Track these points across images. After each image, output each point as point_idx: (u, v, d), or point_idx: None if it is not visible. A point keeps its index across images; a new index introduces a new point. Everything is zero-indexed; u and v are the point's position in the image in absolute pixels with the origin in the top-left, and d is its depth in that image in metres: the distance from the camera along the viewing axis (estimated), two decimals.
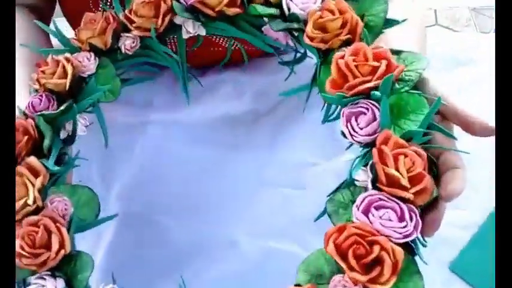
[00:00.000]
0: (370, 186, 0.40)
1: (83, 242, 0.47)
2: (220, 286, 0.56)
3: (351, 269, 0.37)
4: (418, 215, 0.38)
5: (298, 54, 0.55)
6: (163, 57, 0.54)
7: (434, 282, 0.59)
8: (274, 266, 0.59)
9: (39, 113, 0.47)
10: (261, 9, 0.49)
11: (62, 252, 0.41)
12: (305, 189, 0.64)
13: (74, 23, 0.63)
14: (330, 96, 0.43)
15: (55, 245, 0.41)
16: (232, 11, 0.49)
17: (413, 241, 0.39)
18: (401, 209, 0.38)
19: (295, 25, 0.48)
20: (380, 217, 0.38)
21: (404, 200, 0.39)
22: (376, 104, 0.42)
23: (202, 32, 0.52)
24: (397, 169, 0.39)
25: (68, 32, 0.60)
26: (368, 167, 0.41)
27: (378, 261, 0.37)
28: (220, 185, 0.65)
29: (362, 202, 0.39)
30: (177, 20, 0.51)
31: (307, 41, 0.46)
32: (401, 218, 0.38)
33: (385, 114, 0.41)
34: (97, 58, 0.51)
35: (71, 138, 0.50)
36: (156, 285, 0.57)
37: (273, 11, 0.49)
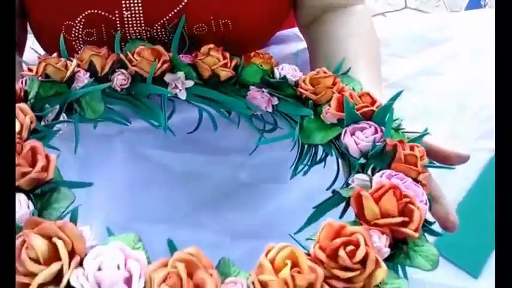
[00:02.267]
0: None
1: None
2: None
3: (385, 213, 0.40)
4: (426, 196, 0.44)
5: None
6: (144, 107, 0.59)
7: None
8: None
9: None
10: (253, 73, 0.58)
11: (44, 174, 0.39)
12: (287, 183, 0.64)
13: (48, 49, 0.65)
14: (349, 108, 0.50)
15: (41, 162, 0.39)
16: (225, 73, 0.57)
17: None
18: (416, 184, 0.43)
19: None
20: (402, 182, 0.43)
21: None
22: (374, 124, 0.49)
23: (183, 96, 0.58)
24: (412, 150, 0.46)
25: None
26: (370, 168, 0.46)
27: (407, 211, 0.40)
28: (200, 188, 0.65)
29: (383, 174, 0.44)
30: (167, 77, 0.57)
31: (301, 91, 0.55)
32: (417, 187, 0.43)
33: (388, 129, 0.48)
34: (90, 79, 0.54)
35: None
36: None
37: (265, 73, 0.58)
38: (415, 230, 0.40)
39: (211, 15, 0.61)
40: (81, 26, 0.61)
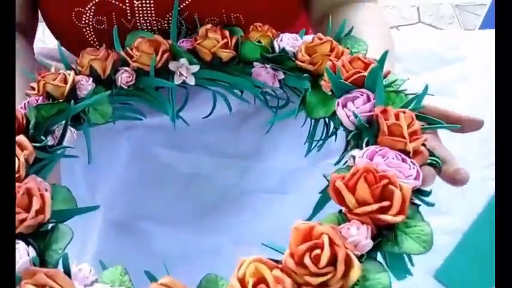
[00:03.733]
0: None
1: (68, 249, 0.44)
2: None
3: (360, 202, 0.37)
4: (418, 168, 0.40)
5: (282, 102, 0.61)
6: (154, 100, 0.58)
7: None
8: None
9: (34, 106, 0.48)
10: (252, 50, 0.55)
11: (41, 217, 0.39)
12: (289, 194, 0.64)
13: (59, 36, 0.64)
14: (334, 78, 0.47)
15: (35, 207, 0.39)
16: (226, 54, 0.55)
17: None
18: (402, 158, 0.40)
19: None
20: (384, 160, 0.39)
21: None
22: (368, 92, 0.45)
23: (192, 81, 0.57)
24: (397, 119, 0.41)
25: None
26: (364, 143, 0.43)
27: (385, 194, 0.37)
28: (205, 191, 0.65)
29: (363, 154, 0.40)
30: (172, 65, 0.56)
31: (298, 63, 0.52)
32: (403, 161, 0.40)
33: (380, 95, 0.44)
34: (94, 84, 0.54)
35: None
36: None
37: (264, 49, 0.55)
38: (398, 213, 0.36)
39: (223, 8, 0.60)
40: (91, 14, 0.60)
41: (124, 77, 0.55)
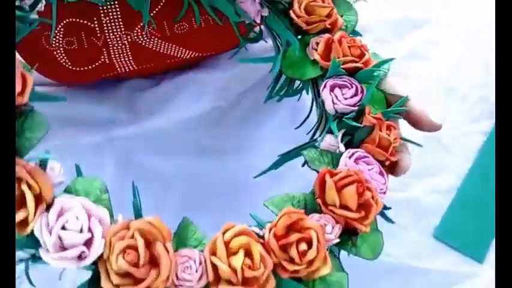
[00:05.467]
0: (342, 148, 0.44)
1: None
2: None
3: (343, 206, 0.40)
4: (387, 184, 0.44)
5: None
6: None
7: (420, 253, 0.59)
8: None
9: None
10: None
11: (19, 99, 0.37)
12: (280, 183, 0.62)
13: (31, 62, 0.62)
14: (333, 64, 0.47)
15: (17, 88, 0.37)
16: None
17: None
18: (382, 171, 0.43)
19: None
20: (369, 170, 0.42)
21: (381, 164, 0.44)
22: (356, 82, 0.47)
23: None
24: (388, 134, 0.44)
25: None
26: (340, 134, 0.45)
27: (365, 206, 0.40)
28: (196, 190, 0.64)
29: (352, 155, 0.43)
30: None
31: (292, 15, 0.51)
32: (381, 175, 0.43)
33: (369, 94, 0.46)
34: None
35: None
36: None
37: None
38: (368, 224, 0.40)
39: (191, 12, 0.59)
40: (61, 35, 0.60)
41: None
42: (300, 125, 0.55)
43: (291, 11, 0.51)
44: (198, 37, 0.64)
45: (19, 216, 0.35)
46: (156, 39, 0.63)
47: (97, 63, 0.64)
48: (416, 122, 0.48)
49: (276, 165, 0.51)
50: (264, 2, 0.54)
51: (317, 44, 0.50)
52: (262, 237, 0.38)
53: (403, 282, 0.57)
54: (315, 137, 0.50)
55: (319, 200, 0.41)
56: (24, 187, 0.35)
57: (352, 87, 0.47)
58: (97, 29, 0.60)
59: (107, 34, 0.61)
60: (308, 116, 0.53)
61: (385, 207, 0.44)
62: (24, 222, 0.35)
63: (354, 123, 0.45)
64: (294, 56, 0.50)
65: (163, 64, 0.68)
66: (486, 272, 0.58)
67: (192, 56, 0.66)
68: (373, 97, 0.47)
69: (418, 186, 0.62)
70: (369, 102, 0.46)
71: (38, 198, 0.36)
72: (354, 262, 0.42)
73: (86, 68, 0.64)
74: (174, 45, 0.64)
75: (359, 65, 0.48)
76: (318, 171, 0.43)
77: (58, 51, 0.61)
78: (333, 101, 0.46)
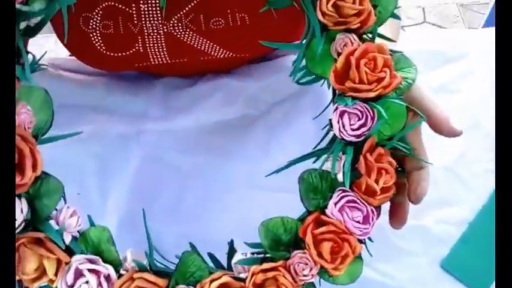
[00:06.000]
0: (340, 178, 0.46)
1: None
2: None
3: (320, 256, 0.45)
4: (376, 218, 0.46)
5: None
6: None
7: (425, 280, 0.59)
8: None
9: None
10: None
11: (34, 175, 0.42)
12: (297, 192, 0.64)
13: (67, 43, 0.65)
14: (340, 96, 0.46)
15: (29, 170, 0.41)
16: None
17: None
18: (367, 212, 0.45)
19: None
20: (353, 218, 0.45)
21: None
22: (369, 109, 0.45)
23: None
24: (376, 181, 0.45)
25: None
26: (342, 161, 0.46)
27: (341, 257, 0.45)
28: (214, 192, 0.65)
29: (339, 201, 0.45)
30: None
31: (318, 13, 0.46)
32: (365, 220, 0.45)
33: (378, 125, 0.45)
34: None
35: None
36: None
37: None
38: (342, 269, 0.45)
39: (229, 8, 0.61)
40: (98, 18, 0.61)
41: None
42: (318, 114, 0.56)
43: (317, 9, 0.46)
44: (233, 35, 0.64)
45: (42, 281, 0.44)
46: (192, 32, 0.63)
47: (131, 51, 0.65)
48: (436, 126, 0.49)
49: (285, 167, 0.53)
50: None
51: (341, 46, 0.46)
52: (244, 280, 0.45)
53: None
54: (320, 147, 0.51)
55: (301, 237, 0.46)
56: (45, 262, 0.44)
57: (362, 116, 0.45)
58: (134, 15, 0.61)
59: (143, 22, 0.61)
60: (326, 107, 0.53)
61: (369, 239, 0.47)
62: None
63: (351, 157, 0.45)
64: (316, 49, 0.47)
65: (196, 61, 0.68)
66: None
67: (226, 55, 0.67)
68: (391, 111, 0.45)
69: (431, 215, 0.63)
70: (383, 122, 0.45)
71: (58, 264, 0.44)
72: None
73: (119, 54, 0.65)
74: (208, 41, 0.65)
75: (373, 94, 0.45)
76: (307, 210, 0.47)
77: (94, 33, 0.62)
78: (339, 129, 0.46)
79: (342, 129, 0.46)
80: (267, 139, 0.69)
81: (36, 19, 0.45)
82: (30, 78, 0.44)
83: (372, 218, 0.46)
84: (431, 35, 0.94)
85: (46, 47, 0.70)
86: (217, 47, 0.66)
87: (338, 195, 0.46)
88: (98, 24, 0.61)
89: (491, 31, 0.85)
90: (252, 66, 0.74)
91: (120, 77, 0.73)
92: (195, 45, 0.65)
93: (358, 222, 0.45)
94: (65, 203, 0.46)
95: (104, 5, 0.60)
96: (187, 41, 0.65)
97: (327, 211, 0.46)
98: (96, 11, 0.60)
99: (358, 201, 0.45)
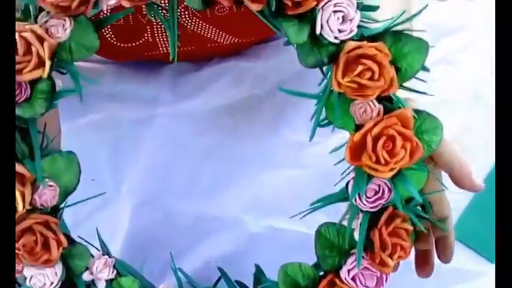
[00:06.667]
0: (357, 237, 0.46)
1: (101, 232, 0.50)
2: (227, 265, 0.57)
3: None
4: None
5: None
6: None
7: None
8: (280, 245, 0.61)
9: None
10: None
11: (61, 249, 0.45)
12: (307, 168, 0.66)
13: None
14: (358, 170, 0.44)
15: (54, 249, 0.44)
16: (256, 6, 0.40)
17: None
18: (381, 275, 0.47)
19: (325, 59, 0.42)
20: (366, 285, 0.47)
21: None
22: (387, 183, 0.44)
23: None
24: (391, 256, 0.46)
25: None
26: (359, 220, 0.46)
27: None
28: (225, 170, 0.67)
29: (353, 268, 0.46)
30: None
31: (334, 83, 0.41)
32: (379, 283, 0.47)
33: (397, 199, 0.44)
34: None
35: None
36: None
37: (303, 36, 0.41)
38: None
39: None
40: (108, 10, 0.60)
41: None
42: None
43: (333, 78, 0.41)
44: (238, 21, 0.65)
45: None
46: (197, 20, 0.65)
47: (141, 41, 0.66)
48: (458, 182, 0.48)
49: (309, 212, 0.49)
50: None
51: (361, 113, 0.42)
52: None
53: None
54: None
55: None
56: None
57: (379, 190, 0.44)
58: (143, 6, 0.62)
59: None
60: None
61: None
62: None
63: (366, 226, 0.46)
64: (335, 103, 0.42)
65: (203, 48, 0.70)
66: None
67: (232, 41, 0.68)
68: (410, 177, 0.44)
69: None
70: (395, 203, 0.45)
71: None
72: None
73: (129, 44, 0.67)
74: (214, 28, 0.66)
75: (390, 174, 0.42)
76: (323, 270, 0.48)
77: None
78: (355, 199, 0.45)
79: (357, 199, 0.45)
80: (275, 118, 0.70)
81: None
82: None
83: (386, 279, 0.47)
84: (430, 8, 0.94)
85: None
86: (223, 34, 0.67)
87: (352, 263, 0.46)
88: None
89: (492, 1, 0.86)
90: (260, 47, 0.74)
91: (129, 65, 0.74)
92: (202, 33, 0.66)
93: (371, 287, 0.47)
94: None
95: None
96: (194, 29, 0.66)
97: (341, 274, 0.47)
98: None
99: (371, 268, 0.47)
